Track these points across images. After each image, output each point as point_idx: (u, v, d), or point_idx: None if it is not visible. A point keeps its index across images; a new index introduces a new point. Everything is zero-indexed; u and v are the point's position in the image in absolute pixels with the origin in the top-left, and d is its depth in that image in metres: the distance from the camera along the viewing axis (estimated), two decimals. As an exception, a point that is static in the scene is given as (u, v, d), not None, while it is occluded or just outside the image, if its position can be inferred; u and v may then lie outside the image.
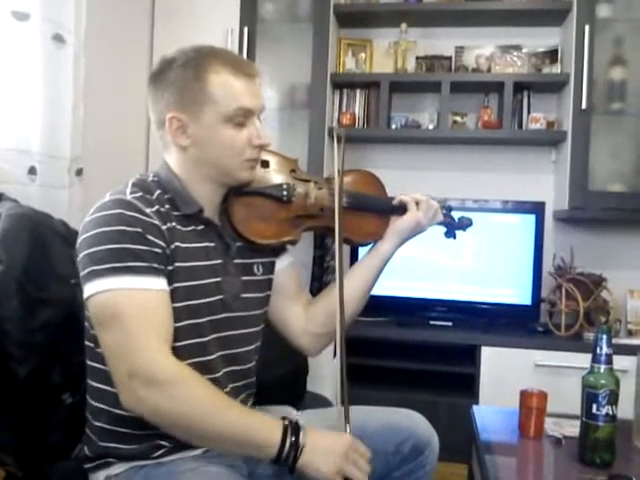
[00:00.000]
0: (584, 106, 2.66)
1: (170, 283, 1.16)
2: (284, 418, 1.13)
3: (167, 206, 1.20)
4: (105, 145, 2.46)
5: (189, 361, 1.15)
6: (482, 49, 3.00)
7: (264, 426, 1.10)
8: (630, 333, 2.76)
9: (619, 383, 1.41)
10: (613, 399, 1.40)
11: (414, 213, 1.45)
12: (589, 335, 2.60)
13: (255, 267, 1.35)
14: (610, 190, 2.74)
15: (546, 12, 2.85)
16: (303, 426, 1.12)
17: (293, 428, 1.10)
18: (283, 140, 2.93)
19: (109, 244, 1.11)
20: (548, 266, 2.81)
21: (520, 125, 2.91)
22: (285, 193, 1.33)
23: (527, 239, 2.81)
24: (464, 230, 1.65)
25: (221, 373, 1.25)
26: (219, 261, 1.26)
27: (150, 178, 1.24)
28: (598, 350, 1.41)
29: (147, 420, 1.09)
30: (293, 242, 1.37)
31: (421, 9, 2.93)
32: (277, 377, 1.75)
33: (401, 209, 1.47)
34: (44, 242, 1.42)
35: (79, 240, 1.15)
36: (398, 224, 1.46)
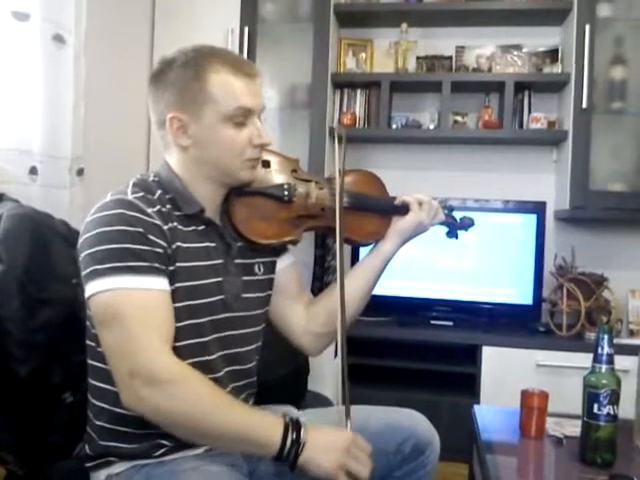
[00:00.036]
0: (585, 106, 2.66)
1: (171, 283, 1.16)
2: (285, 415, 1.13)
3: (168, 206, 1.20)
4: (106, 145, 2.46)
5: (190, 361, 1.15)
6: (483, 49, 3.00)
7: (265, 424, 1.10)
8: (631, 333, 2.76)
9: (620, 383, 1.40)
10: (614, 399, 1.40)
11: (416, 213, 1.45)
12: (590, 335, 2.60)
13: (256, 267, 1.35)
14: (611, 190, 2.74)
15: (546, 12, 2.85)
16: (304, 423, 1.12)
17: (294, 425, 1.10)
18: (284, 140, 2.93)
19: (110, 244, 1.11)
20: (549, 266, 2.81)
21: (521, 125, 2.91)
22: (286, 193, 1.33)
23: (528, 239, 2.80)
24: (466, 230, 1.65)
25: (222, 373, 1.25)
26: (220, 261, 1.26)
27: (151, 178, 1.24)
28: (599, 350, 1.41)
29: (148, 419, 1.09)
30: (294, 242, 1.37)
31: (422, 9, 2.93)
32: (278, 377, 1.75)
33: (403, 209, 1.47)
34: (45, 242, 1.42)
35: (80, 240, 1.15)
36: (400, 224, 1.46)
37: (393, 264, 1.48)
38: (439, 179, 3.08)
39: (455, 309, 2.85)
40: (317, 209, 1.38)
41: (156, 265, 1.13)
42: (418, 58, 3.03)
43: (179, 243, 1.18)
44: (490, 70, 2.95)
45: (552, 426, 1.65)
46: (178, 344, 1.15)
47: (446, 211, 1.55)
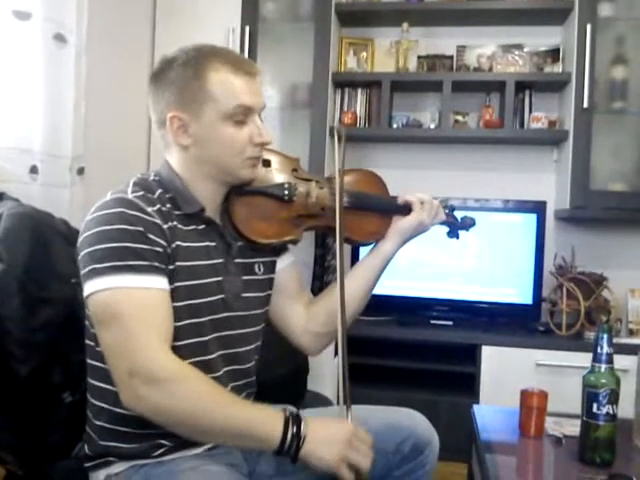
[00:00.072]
0: (586, 105, 2.66)
1: (171, 282, 1.16)
2: (285, 409, 1.13)
3: (168, 205, 1.20)
4: (106, 144, 2.47)
5: (189, 360, 1.15)
6: (484, 48, 3.00)
7: (265, 419, 1.10)
8: (631, 332, 2.76)
9: (620, 382, 1.41)
10: (614, 398, 1.40)
11: (418, 213, 1.45)
12: (590, 334, 2.60)
13: (256, 266, 1.35)
14: (611, 189, 2.74)
15: (548, 11, 2.85)
16: (304, 416, 1.12)
17: (294, 419, 1.10)
18: (284, 139, 2.93)
19: (110, 243, 1.11)
20: (549, 265, 2.81)
21: (522, 124, 2.91)
22: (286, 192, 1.33)
23: (528, 238, 2.81)
24: (467, 230, 1.64)
25: (221, 372, 1.25)
26: (220, 260, 1.26)
27: (151, 177, 1.24)
28: (599, 349, 1.41)
29: (148, 418, 1.09)
30: (294, 241, 1.37)
31: (422, 8, 2.93)
32: (278, 376, 1.76)
33: (405, 209, 1.46)
34: (45, 241, 1.42)
35: (80, 239, 1.15)
36: (400, 224, 1.46)
37: (393, 264, 1.48)
38: (440, 179, 3.08)
39: (455, 309, 2.85)
40: (317, 208, 1.38)
41: (156, 264, 1.13)
42: (419, 57, 3.03)
43: (179, 242, 1.18)
44: (491, 70, 2.95)
45: (551, 426, 1.65)
46: (178, 343, 1.15)
47: (447, 211, 1.55)
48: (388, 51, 3.04)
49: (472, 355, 2.63)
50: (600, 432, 1.41)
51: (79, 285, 1.17)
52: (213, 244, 1.25)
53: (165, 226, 1.17)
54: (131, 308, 1.09)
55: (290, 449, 1.08)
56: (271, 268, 1.40)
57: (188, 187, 1.24)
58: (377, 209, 1.47)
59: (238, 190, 1.29)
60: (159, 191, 1.21)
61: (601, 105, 2.74)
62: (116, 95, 2.56)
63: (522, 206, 2.85)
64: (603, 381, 1.39)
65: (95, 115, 2.25)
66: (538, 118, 2.84)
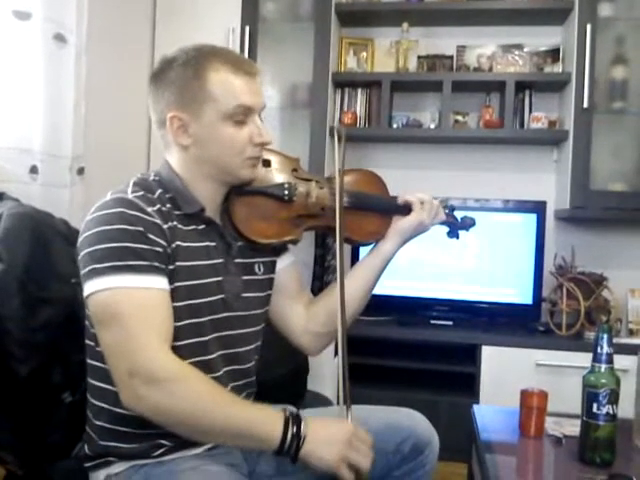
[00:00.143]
0: (586, 105, 2.66)
1: (171, 282, 1.16)
2: (285, 409, 1.13)
3: (168, 205, 1.20)
4: (106, 144, 2.47)
5: (189, 360, 1.15)
6: (484, 48, 3.00)
7: (265, 419, 1.10)
8: (631, 332, 2.76)
9: (620, 382, 1.41)
10: (614, 398, 1.40)
11: (418, 213, 1.45)
12: (590, 334, 2.60)
13: (256, 266, 1.35)
14: (611, 189, 2.74)
15: (548, 11, 2.85)
16: (304, 416, 1.12)
17: (294, 419, 1.10)
18: (284, 139, 2.93)
19: (110, 243, 1.11)
20: (549, 265, 2.81)
21: (522, 124, 2.91)
22: (286, 192, 1.33)
23: (528, 238, 2.81)
24: (467, 230, 1.64)
25: (221, 372, 1.25)
26: (220, 260, 1.26)
27: (151, 177, 1.24)
28: (599, 349, 1.41)
29: (148, 418, 1.09)
30: (294, 241, 1.37)
31: (422, 8, 2.93)
32: (277, 376, 1.76)
33: (405, 209, 1.46)
34: (45, 241, 1.42)
35: (80, 238, 1.15)
36: (400, 224, 1.45)
37: (393, 264, 1.48)
38: (440, 179, 3.08)
39: (455, 309, 2.85)
40: (317, 208, 1.38)
41: (156, 264, 1.13)
42: (419, 57, 3.03)
43: (179, 242, 1.18)
44: (491, 70, 2.95)
45: (551, 426, 1.65)
46: (178, 343, 1.16)
47: (447, 211, 1.55)
48: (388, 51, 3.04)
49: (472, 355, 2.63)
50: (600, 432, 1.41)
51: (79, 285, 1.17)
52: (213, 244, 1.25)
53: (165, 226, 1.17)
54: (131, 308, 1.09)
55: (290, 449, 1.08)
56: (271, 268, 1.40)
57: (188, 187, 1.24)
58: (377, 209, 1.47)
59: (238, 190, 1.29)
60: (159, 191, 1.21)
61: (601, 105, 2.74)
62: (116, 95, 2.56)
63: (522, 206, 2.85)
64: (603, 381, 1.39)
65: (95, 115, 2.25)
66: (538, 118, 2.84)
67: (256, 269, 1.35)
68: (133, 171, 1.31)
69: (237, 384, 1.28)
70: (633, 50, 2.74)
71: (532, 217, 2.82)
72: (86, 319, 1.21)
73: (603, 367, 1.40)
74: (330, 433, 1.12)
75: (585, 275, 2.72)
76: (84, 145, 2.11)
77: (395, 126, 2.98)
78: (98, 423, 1.21)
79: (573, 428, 1.56)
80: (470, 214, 1.65)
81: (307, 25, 2.91)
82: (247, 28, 2.83)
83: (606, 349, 1.40)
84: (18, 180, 1.83)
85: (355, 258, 2.77)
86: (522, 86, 2.88)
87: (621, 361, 1.60)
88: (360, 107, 3.01)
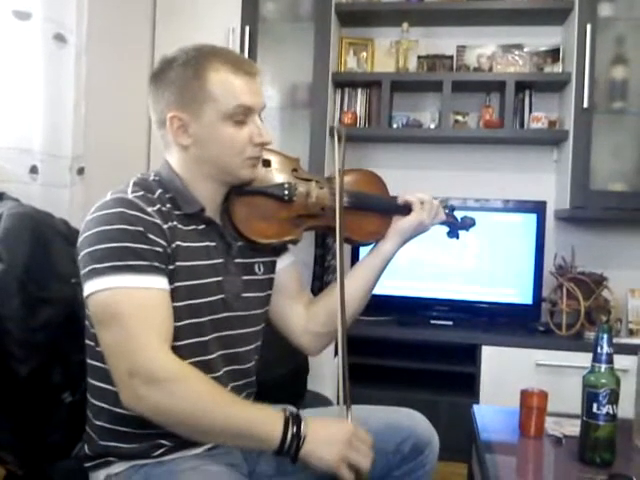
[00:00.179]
0: (586, 105, 2.66)
1: (171, 282, 1.16)
2: (285, 409, 1.13)
3: (168, 205, 1.20)
4: (106, 144, 2.47)
5: (189, 360, 1.15)
6: (484, 48, 3.00)
7: (265, 419, 1.10)
8: (631, 332, 2.76)
9: (620, 382, 1.41)
10: (614, 398, 1.40)
11: (418, 213, 1.45)
12: (590, 334, 2.60)
13: (256, 266, 1.35)
14: (611, 189, 2.74)
15: (548, 11, 2.85)
16: (304, 416, 1.12)
17: (294, 419, 1.10)
18: (284, 139, 2.93)
19: (110, 243, 1.11)
20: (549, 265, 2.81)
21: (522, 124, 2.91)
22: (286, 192, 1.33)
23: (528, 238, 2.81)
24: (467, 230, 1.64)
25: (221, 372, 1.25)
26: (220, 260, 1.26)
27: (151, 177, 1.24)
28: (599, 349, 1.41)
29: (148, 418, 1.09)
30: (294, 241, 1.37)
31: (423, 8, 2.93)
32: (277, 376, 1.75)
33: (405, 209, 1.46)
34: (45, 241, 1.42)
35: (80, 238, 1.15)
36: (400, 224, 1.45)
37: (393, 264, 1.48)
38: (440, 179, 3.08)
39: (455, 309, 2.85)
40: (317, 208, 1.38)
41: (156, 264, 1.13)
42: (419, 57, 3.03)
43: (179, 242, 1.18)
44: (491, 70, 2.95)
45: (551, 426, 1.65)
46: (178, 343, 1.16)
47: (447, 211, 1.55)
48: (388, 51, 3.04)
49: (472, 355, 2.63)
50: (600, 432, 1.41)
51: (79, 285, 1.17)
52: (213, 244, 1.25)
53: (165, 226, 1.17)
54: (131, 308, 1.09)
55: (290, 449, 1.08)
56: (271, 268, 1.40)
57: (188, 187, 1.24)
58: (377, 209, 1.47)
59: (238, 190, 1.29)
60: (159, 191, 1.21)
61: (601, 105, 2.74)
62: (116, 95, 2.56)
63: (522, 206, 2.85)
64: (603, 381, 1.39)
65: (95, 115, 2.25)
66: (538, 118, 2.84)
67: (256, 269, 1.35)
68: (133, 171, 1.31)
69: (237, 384, 1.28)
70: (633, 50, 2.75)
71: (532, 217, 2.82)
72: (86, 319, 1.21)
73: (603, 367, 1.40)
74: (330, 433, 1.12)
75: (585, 275, 2.72)
76: (84, 145, 2.11)
77: (395, 126, 2.98)
78: (98, 423, 1.21)
79: (573, 428, 1.56)
80: (470, 214, 1.65)
81: (307, 25, 2.91)
82: (247, 28, 2.83)
83: (606, 349, 1.40)
84: (18, 180, 1.83)
85: (355, 258, 2.77)
86: (522, 86, 2.88)
87: (621, 361, 1.60)
88: (360, 107, 3.01)
